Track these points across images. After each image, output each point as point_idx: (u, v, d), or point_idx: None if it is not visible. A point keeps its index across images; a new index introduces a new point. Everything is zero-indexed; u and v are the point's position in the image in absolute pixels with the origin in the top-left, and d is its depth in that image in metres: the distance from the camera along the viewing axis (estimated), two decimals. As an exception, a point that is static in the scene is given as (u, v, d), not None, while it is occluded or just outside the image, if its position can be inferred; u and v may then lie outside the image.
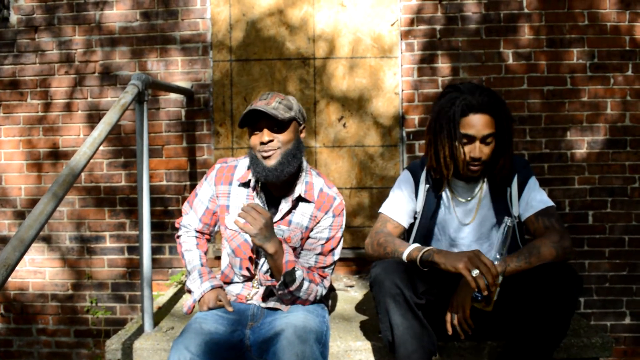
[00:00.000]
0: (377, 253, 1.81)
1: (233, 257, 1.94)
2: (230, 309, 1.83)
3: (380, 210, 1.97)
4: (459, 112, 1.75)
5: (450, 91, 1.82)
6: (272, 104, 1.79)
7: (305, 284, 1.80)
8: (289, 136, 1.82)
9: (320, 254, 1.90)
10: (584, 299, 3.02)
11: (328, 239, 1.90)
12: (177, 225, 2.09)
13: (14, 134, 3.15)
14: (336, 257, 1.95)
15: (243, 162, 1.97)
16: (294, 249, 1.88)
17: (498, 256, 1.59)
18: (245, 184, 1.93)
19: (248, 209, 1.69)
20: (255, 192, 1.91)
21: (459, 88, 1.80)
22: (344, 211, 1.94)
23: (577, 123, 2.99)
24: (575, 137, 2.99)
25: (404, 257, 1.70)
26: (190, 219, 2.03)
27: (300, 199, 1.88)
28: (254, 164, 1.84)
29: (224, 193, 1.94)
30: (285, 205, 1.87)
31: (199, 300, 1.88)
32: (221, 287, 1.93)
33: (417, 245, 1.72)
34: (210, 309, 1.83)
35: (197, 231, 2.04)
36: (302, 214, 1.89)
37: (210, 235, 2.08)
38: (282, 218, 1.88)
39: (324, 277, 1.92)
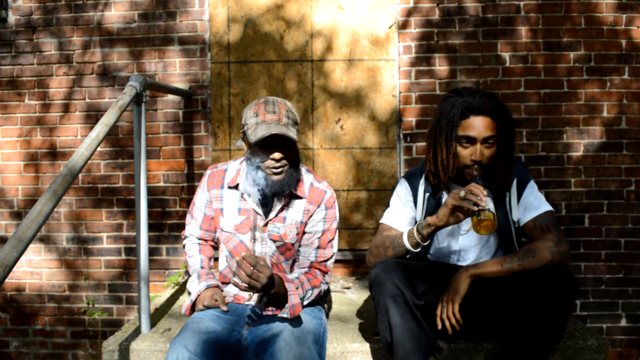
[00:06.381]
0: (379, 255, 1.83)
1: (230, 258, 1.96)
2: (224, 308, 1.83)
3: (381, 221, 1.98)
4: (458, 114, 1.75)
5: (451, 95, 1.82)
6: (282, 119, 1.77)
7: (309, 294, 1.83)
8: (295, 152, 1.84)
9: (319, 247, 1.93)
10: (579, 301, 3.03)
11: (324, 232, 1.93)
12: (182, 236, 2.12)
13: (12, 134, 3.15)
14: (335, 249, 1.97)
15: (232, 165, 1.99)
16: (292, 245, 1.91)
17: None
18: (236, 187, 1.93)
19: (248, 272, 1.61)
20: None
21: (460, 92, 1.81)
22: (336, 204, 1.97)
23: (574, 125, 3.00)
24: (572, 140, 3.00)
25: (405, 238, 1.76)
26: (192, 228, 2.06)
27: (292, 195, 1.90)
28: (256, 175, 1.82)
29: (217, 197, 1.96)
30: (278, 203, 1.89)
31: (196, 300, 1.89)
32: (217, 286, 1.94)
33: (409, 227, 1.81)
34: (205, 307, 1.85)
35: (199, 239, 2.06)
36: (296, 210, 1.91)
37: (214, 241, 2.09)
38: (276, 215, 1.89)
39: (326, 273, 1.94)
